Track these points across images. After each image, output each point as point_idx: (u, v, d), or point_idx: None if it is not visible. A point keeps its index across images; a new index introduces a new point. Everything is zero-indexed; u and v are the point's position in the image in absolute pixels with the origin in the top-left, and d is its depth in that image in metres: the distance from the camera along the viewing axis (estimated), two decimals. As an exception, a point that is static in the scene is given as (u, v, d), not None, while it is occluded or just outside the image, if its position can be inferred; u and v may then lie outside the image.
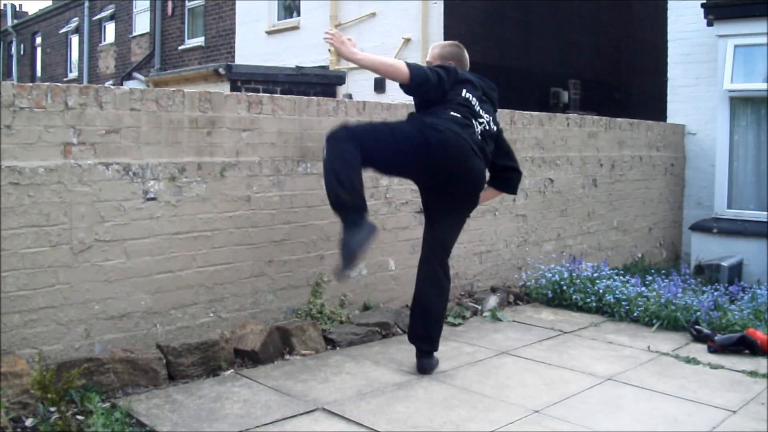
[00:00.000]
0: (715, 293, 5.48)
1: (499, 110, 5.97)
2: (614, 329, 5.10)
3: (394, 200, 5.19)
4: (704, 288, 5.72)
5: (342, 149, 3.63)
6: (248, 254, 4.35)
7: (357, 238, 3.58)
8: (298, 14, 13.04)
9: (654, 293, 5.38)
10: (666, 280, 5.67)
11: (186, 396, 3.56)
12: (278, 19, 13.57)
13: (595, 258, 6.83)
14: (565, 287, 5.70)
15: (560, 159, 6.59)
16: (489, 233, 5.91)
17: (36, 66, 25.25)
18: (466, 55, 4.23)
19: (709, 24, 7.60)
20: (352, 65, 11.70)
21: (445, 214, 4.06)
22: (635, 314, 5.26)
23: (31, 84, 3.48)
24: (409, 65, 3.75)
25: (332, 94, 9.64)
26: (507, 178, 4.41)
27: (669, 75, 8.47)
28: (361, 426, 3.27)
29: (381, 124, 4.32)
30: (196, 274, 4.10)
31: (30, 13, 27.35)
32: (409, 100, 4.19)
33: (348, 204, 3.63)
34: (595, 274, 5.82)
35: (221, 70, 8.77)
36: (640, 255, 7.72)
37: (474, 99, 3.93)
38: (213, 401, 3.50)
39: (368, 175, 5.00)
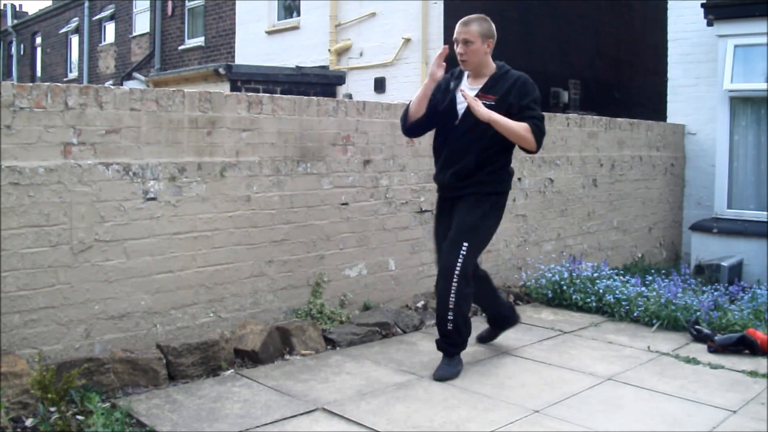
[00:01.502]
0: (715, 293, 5.48)
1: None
2: (614, 329, 5.10)
3: (395, 200, 5.19)
4: (704, 288, 5.72)
5: (470, 290, 3.94)
6: (248, 254, 4.35)
7: (454, 371, 3.94)
8: (298, 14, 13.03)
9: (654, 293, 5.38)
10: (666, 280, 5.68)
11: (186, 396, 3.56)
12: (278, 19, 13.57)
13: (595, 258, 6.83)
14: (565, 287, 5.69)
15: (560, 159, 6.59)
16: (489, 233, 5.90)
17: (36, 66, 25.24)
18: None
19: (709, 24, 7.60)
20: (352, 65, 11.74)
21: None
22: (635, 314, 5.26)
23: (31, 84, 3.48)
24: (534, 134, 3.85)
25: (332, 94, 9.64)
26: None
27: (669, 75, 8.47)
28: (361, 426, 3.27)
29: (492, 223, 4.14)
30: (196, 274, 4.10)
31: (30, 13, 27.34)
32: (407, 98, 4.23)
33: (464, 343, 4.03)
34: (595, 274, 5.82)
35: (221, 70, 8.77)
36: (640, 255, 7.72)
37: None
38: (213, 401, 3.50)
39: (368, 175, 5.02)
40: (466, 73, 4.08)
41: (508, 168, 4.11)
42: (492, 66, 4.06)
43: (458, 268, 3.84)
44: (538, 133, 3.89)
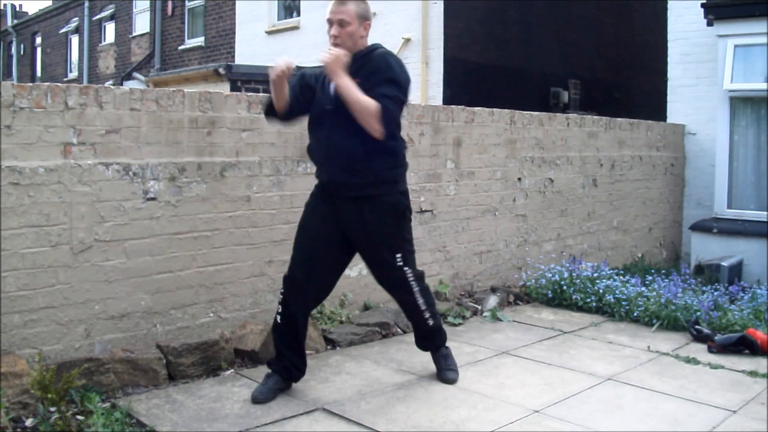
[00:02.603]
0: (715, 293, 5.47)
1: (498, 110, 6.00)
2: (614, 329, 5.10)
3: (394, 200, 5.18)
4: (704, 288, 5.72)
5: (426, 284, 3.84)
6: (248, 254, 4.35)
7: (455, 363, 3.93)
8: (298, 14, 13.03)
9: (654, 293, 5.38)
10: (666, 280, 5.68)
11: (186, 396, 3.56)
12: (278, 19, 13.57)
13: (595, 258, 6.83)
14: (565, 287, 5.70)
15: (560, 159, 6.59)
16: (489, 233, 5.91)
17: (36, 66, 25.24)
18: None
19: (709, 24, 7.60)
20: (352, 65, 11.70)
21: None
22: (635, 314, 5.26)
23: (31, 84, 3.48)
24: (381, 111, 3.31)
25: (332, 94, 9.62)
26: None
27: (669, 75, 8.46)
28: (361, 426, 3.27)
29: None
30: (196, 274, 4.10)
31: (30, 13, 27.34)
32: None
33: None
34: (595, 274, 5.82)
35: (221, 70, 8.78)
36: (640, 255, 7.72)
37: None
38: (213, 401, 3.50)
39: (368, 175, 5.01)
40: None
41: (403, 157, 3.66)
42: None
43: (409, 276, 3.68)
44: (386, 115, 3.32)
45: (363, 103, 3.31)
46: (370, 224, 3.54)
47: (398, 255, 3.63)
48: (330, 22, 3.48)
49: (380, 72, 3.41)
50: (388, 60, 3.49)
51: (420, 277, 3.76)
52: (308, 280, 3.62)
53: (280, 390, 3.59)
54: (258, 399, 3.49)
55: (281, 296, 3.68)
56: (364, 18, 3.53)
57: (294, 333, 3.65)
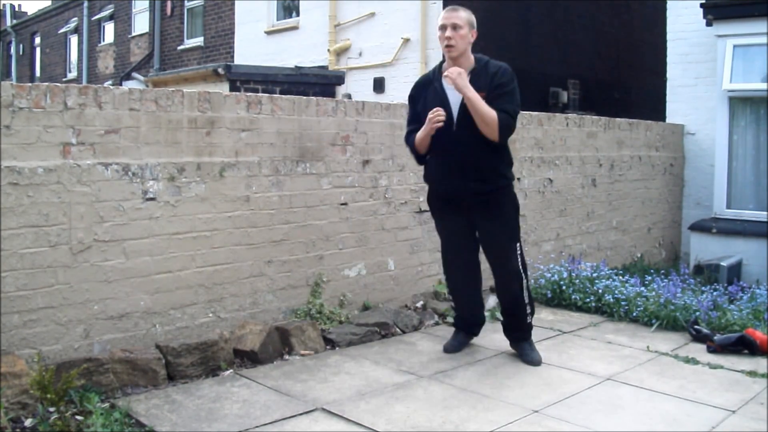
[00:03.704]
0: (715, 293, 5.47)
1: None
2: (613, 329, 5.10)
3: (394, 200, 5.19)
4: (703, 288, 5.71)
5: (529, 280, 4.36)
6: (247, 254, 4.35)
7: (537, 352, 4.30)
8: (297, 14, 13.03)
9: (653, 293, 5.38)
10: (665, 280, 5.68)
11: (185, 396, 3.56)
12: (277, 19, 13.56)
13: (595, 258, 6.83)
14: (564, 287, 5.70)
15: (559, 159, 6.59)
16: (488, 233, 5.90)
17: (35, 66, 25.21)
18: None
19: (708, 24, 7.60)
20: (351, 65, 11.74)
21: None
22: (634, 314, 5.26)
23: (30, 84, 3.48)
24: (500, 123, 3.83)
25: (331, 94, 9.64)
26: None
27: (668, 75, 8.47)
28: (361, 426, 3.27)
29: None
30: (195, 274, 4.10)
31: (29, 13, 27.31)
32: (407, 98, 4.23)
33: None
34: (595, 274, 5.82)
35: (220, 70, 8.77)
36: (639, 255, 7.72)
37: None
38: (212, 401, 3.50)
39: (367, 175, 5.02)
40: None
41: (510, 154, 4.17)
42: (472, 59, 4.03)
43: (521, 268, 4.17)
44: (504, 128, 3.88)
45: (488, 116, 3.82)
46: (498, 218, 4.08)
47: (517, 244, 4.16)
48: (443, 27, 3.94)
49: (504, 86, 3.92)
50: (511, 75, 3.99)
51: (526, 267, 4.26)
52: (457, 256, 4.29)
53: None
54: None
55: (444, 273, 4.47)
56: (472, 26, 4.01)
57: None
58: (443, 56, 4.09)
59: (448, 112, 3.93)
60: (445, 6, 10.26)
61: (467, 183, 3.99)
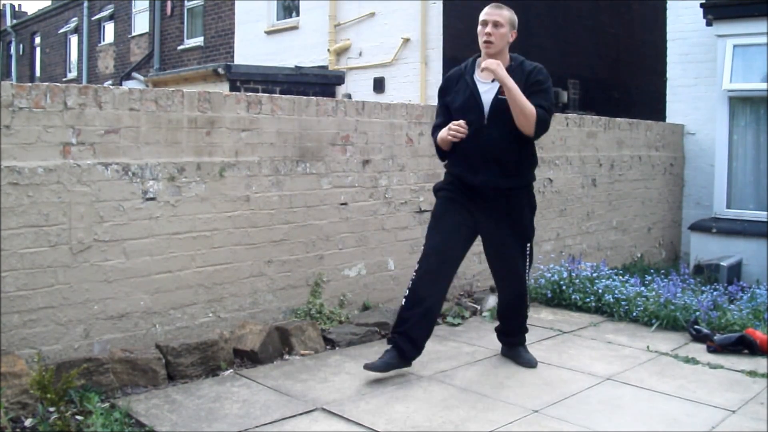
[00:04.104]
0: (715, 293, 5.47)
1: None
2: (613, 329, 5.10)
3: (394, 200, 5.19)
4: (703, 288, 5.71)
5: None
6: (247, 254, 4.35)
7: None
8: (297, 14, 13.03)
9: (653, 293, 5.38)
10: (665, 280, 5.68)
11: (185, 396, 3.56)
12: (277, 19, 13.56)
13: (595, 258, 6.83)
14: (564, 287, 5.69)
15: (559, 159, 6.59)
16: (488, 233, 5.90)
17: (35, 66, 25.21)
18: None
19: (708, 24, 7.60)
20: (351, 65, 11.74)
21: None
22: (634, 314, 5.26)
23: (30, 84, 3.48)
24: (538, 117, 3.77)
25: (331, 94, 9.64)
26: None
27: (668, 75, 8.47)
28: (361, 426, 3.27)
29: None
30: (195, 274, 4.10)
31: (29, 13, 27.31)
32: (407, 98, 4.22)
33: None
34: (595, 274, 5.82)
35: (220, 70, 8.77)
36: (639, 255, 7.72)
37: None
38: (212, 401, 3.50)
39: (367, 175, 5.02)
40: (476, 67, 3.99)
41: (536, 155, 4.14)
42: (507, 58, 3.97)
43: (527, 270, 4.13)
44: (541, 123, 3.81)
45: (527, 108, 3.75)
46: (513, 216, 3.99)
47: (528, 245, 4.10)
48: (485, 23, 3.89)
49: (541, 83, 3.88)
50: (546, 74, 3.95)
51: (530, 268, 4.21)
52: (443, 262, 3.96)
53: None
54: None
55: (410, 282, 3.97)
56: (513, 26, 3.97)
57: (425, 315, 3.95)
58: (476, 54, 4.04)
59: (478, 106, 3.88)
60: (444, 6, 10.31)
61: (490, 178, 3.89)
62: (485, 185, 3.92)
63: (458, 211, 3.98)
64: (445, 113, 4.02)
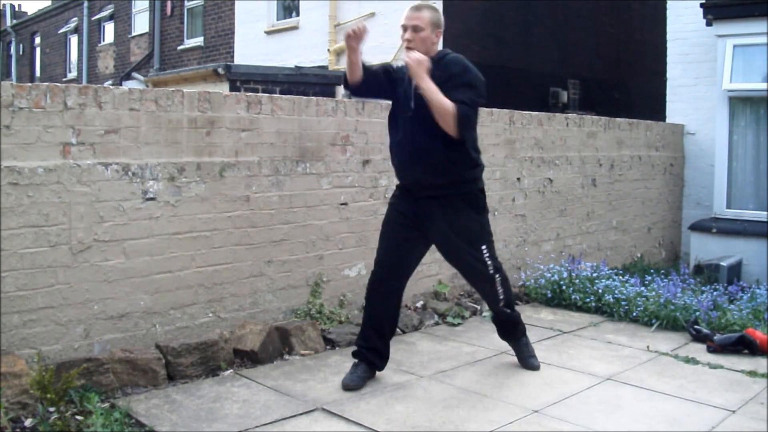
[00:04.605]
0: (715, 293, 5.48)
1: (497, 110, 6.01)
2: (613, 329, 5.10)
3: (394, 200, 5.18)
4: (703, 288, 5.72)
5: (505, 273, 4.06)
6: (247, 254, 4.35)
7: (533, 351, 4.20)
8: (297, 14, 13.02)
9: (653, 293, 5.39)
10: (665, 280, 5.68)
11: (185, 396, 3.56)
12: (277, 19, 13.56)
13: (595, 258, 6.83)
14: (564, 287, 5.70)
15: (559, 159, 6.59)
16: (488, 233, 5.90)
17: (35, 66, 25.21)
18: None
19: (708, 24, 7.60)
20: (352, 65, 11.69)
21: None
22: (634, 314, 5.26)
23: (30, 84, 3.48)
24: (458, 115, 3.52)
25: (331, 94, 9.63)
26: None
27: (668, 75, 8.47)
28: (361, 426, 3.27)
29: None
30: (195, 274, 4.10)
31: (29, 13, 27.30)
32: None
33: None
34: (595, 274, 5.82)
35: (220, 70, 8.77)
36: (639, 255, 7.72)
37: None
38: (212, 401, 3.50)
39: (367, 175, 5.02)
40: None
41: (479, 159, 3.88)
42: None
43: (491, 268, 3.88)
44: (462, 119, 3.54)
45: (444, 105, 3.52)
46: (455, 220, 3.77)
47: (483, 247, 3.86)
48: (404, 27, 3.69)
49: (458, 76, 3.63)
50: (465, 64, 3.70)
51: (499, 268, 3.97)
52: (390, 272, 3.86)
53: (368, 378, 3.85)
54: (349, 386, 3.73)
55: (366, 290, 3.92)
56: (437, 26, 3.75)
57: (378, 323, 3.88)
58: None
59: (407, 98, 3.70)
60: (445, 6, 10.31)
61: (417, 175, 3.73)
62: (414, 183, 3.78)
63: (401, 221, 3.83)
64: (375, 75, 3.78)
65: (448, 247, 3.91)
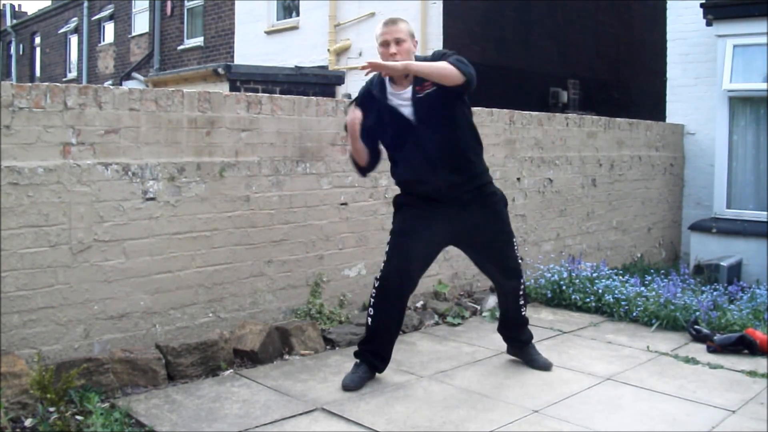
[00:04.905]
0: (715, 293, 5.47)
1: (497, 110, 6.01)
2: (613, 329, 5.10)
3: (394, 200, 5.18)
4: (703, 288, 5.71)
5: None
6: (247, 254, 4.35)
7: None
8: (297, 14, 13.02)
9: (653, 293, 5.38)
10: (665, 280, 5.68)
11: (185, 396, 3.56)
12: (277, 19, 13.56)
13: (595, 258, 6.83)
14: (564, 287, 5.70)
15: (559, 159, 6.59)
16: (488, 233, 5.90)
17: (35, 66, 25.21)
18: None
19: (708, 24, 7.60)
20: (352, 65, 11.72)
21: None
22: (634, 314, 5.26)
23: (30, 84, 3.48)
24: (455, 64, 3.54)
25: (331, 94, 9.64)
26: None
27: (668, 75, 8.47)
28: (361, 426, 3.27)
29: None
30: (195, 274, 4.10)
31: (29, 13, 27.30)
32: None
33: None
34: (595, 274, 5.82)
35: (220, 70, 8.77)
36: (639, 255, 7.72)
37: None
38: (212, 401, 3.50)
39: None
40: (386, 78, 3.76)
41: (479, 141, 3.93)
42: None
43: (520, 264, 4.05)
44: (461, 64, 3.55)
45: (440, 66, 3.54)
46: (493, 218, 3.88)
47: (514, 240, 4.01)
48: (386, 43, 3.70)
49: (444, 54, 3.70)
50: (444, 51, 3.79)
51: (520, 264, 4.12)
52: (408, 282, 3.84)
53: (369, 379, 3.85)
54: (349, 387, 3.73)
55: (374, 297, 3.81)
56: (413, 36, 3.80)
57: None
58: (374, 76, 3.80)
59: (400, 115, 3.70)
60: (444, 7, 10.31)
61: (443, 178, 3.71)
62: (438, 189, 3.74)
63: (423, 229, 3.77)
64: (371, 126, 3.74)
65: (489, 246, 3.96)
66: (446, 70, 3.54)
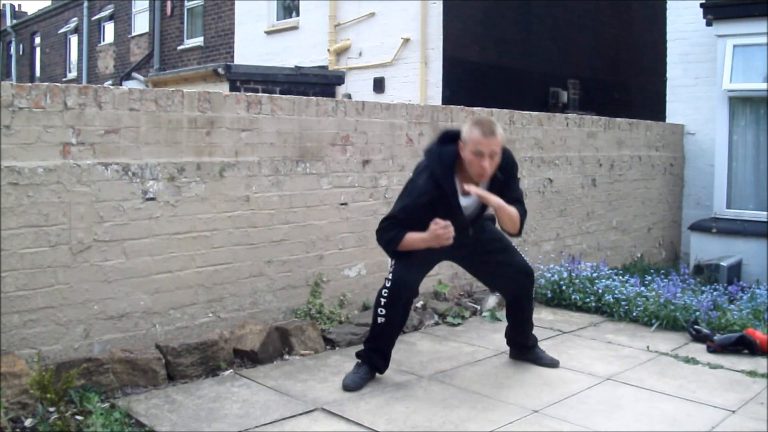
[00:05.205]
0: (714, 293, 5.48)
1: (497, 110, 6.01)
2: (613, 329, 5.10)
3: (394, 200, 5.17)
4: (703, 288, 5.72)
5: None
6: (247, 254, 4.35)
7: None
8: (297, 14, 13.02)
9: (653, 293, 5.38)
10: (665, 280, 5.68)
11: (185, 396, 3.56)
12: (277, 19, 13.56)
13: (595, 258, 6.83)
14: (564, 287, 5.70)
15: (559, 159, 6.59)
16: (488, 233, 5.90)
17: (35, 66, 25.20)
18: None
19: (708, 24, 7.60)
20: (351, 65, 11.74)
21: None
22: (634, 314, 5.26)
23: (30, 84, 3.48)
24: (521, 218, 3.80)
25: (331, 94, 9.64)
26: None
27: (668, 75, 8.47)
28: (361, 426, 3.27)
29: None
30: (195, 274, 4.10)
31: (29, 13, 27.30)
32: (406, 98, 4.19)
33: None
34: (594, 274, 5.82)
35: (220, 70, 8.77)
36: (639, 255, 7.72)
37: None
38: (212, 401, 3.50)
39: (367, 175, 5.02)
40: (456, 181, 3.72)
41: None
42: None
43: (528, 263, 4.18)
44: (522, 221, 3.83)
45: (513, 217, 3.74)
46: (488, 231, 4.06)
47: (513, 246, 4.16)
48: (481, 153, 3.56)
49: (511, 170, 3.85)
50: (512, 158, 3.88)
51: None
52: (417, 289, 3.92)
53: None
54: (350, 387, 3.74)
55: (385, 300, 3.77)
56: (504, 141, 3.75)
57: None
58: (451, 154, 3.70)
59: (461, 215, 3.74)
60: (444, 6, 10.31)
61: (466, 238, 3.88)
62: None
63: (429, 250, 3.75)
64: (415, 217, 3.67)
65: (502, 251, 4.05)
66: (514, 223, 3.79)
